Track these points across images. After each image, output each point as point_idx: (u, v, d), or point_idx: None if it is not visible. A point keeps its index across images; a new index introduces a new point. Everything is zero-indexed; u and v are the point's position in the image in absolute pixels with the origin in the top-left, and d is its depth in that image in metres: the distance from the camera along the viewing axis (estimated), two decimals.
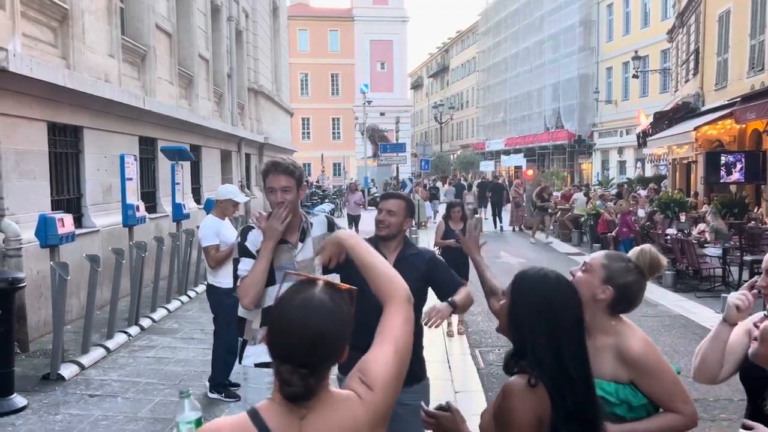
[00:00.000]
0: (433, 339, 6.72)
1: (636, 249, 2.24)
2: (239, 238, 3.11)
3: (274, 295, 2.38)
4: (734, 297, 2.25)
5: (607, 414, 2.10)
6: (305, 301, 1.37)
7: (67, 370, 5.95)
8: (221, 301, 5.31)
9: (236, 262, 3.09)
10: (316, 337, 1.34)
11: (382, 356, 1.51)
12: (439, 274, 3.20)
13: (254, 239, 3.05)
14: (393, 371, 1.50)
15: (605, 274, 2.14)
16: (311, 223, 3.16)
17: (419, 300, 3.16)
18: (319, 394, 1.40)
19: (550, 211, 18.73)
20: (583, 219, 16.79)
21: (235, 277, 3.07)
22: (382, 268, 1.72)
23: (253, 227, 3.08)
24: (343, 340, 1.41)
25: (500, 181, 28.77)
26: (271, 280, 2.98)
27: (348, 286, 1.48)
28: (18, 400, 5.20)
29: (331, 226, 3.22)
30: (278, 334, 1.38)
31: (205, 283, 5.81)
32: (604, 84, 35.25)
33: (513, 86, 45.43)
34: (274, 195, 2.98)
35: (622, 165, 33.99)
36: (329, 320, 1.36)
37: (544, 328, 1.81)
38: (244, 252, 3.05)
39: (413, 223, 3.57)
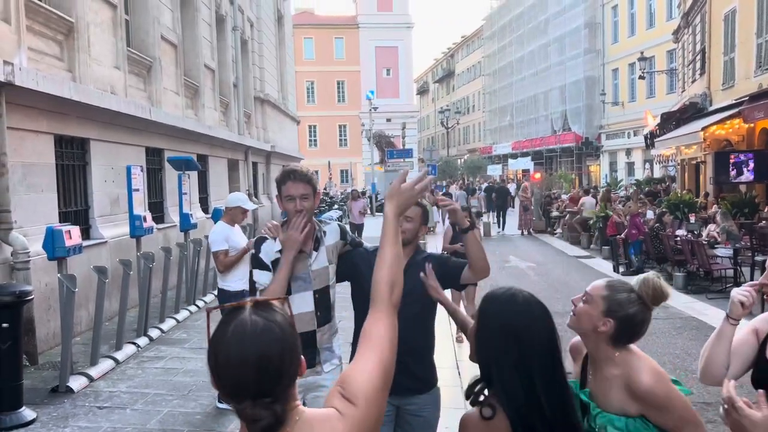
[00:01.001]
0: (442, 345, 6.67)
1: (640, 277, 2.13)
2: (253, 249, 3.11)
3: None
4: (738, 293, 2.20)
5: None
6: (238, 330, 1.26)
7: (76, 383, 5.95)
8: None
9: (251, 273, 3.10)
10: (260, 362, 1.24)
11: (365, 367, 1.44)
12: (448, 261, 3.21)
13: (268, 249, 3.05)
14: (377, 383, 1.42)
15: (605, 306, 2.06)
16: (325, 232, 3.16)
17: (430, 303, 3.13)
18: (290, 415, 1.30)
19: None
20: (592, 221, 16.71)
21: (251, 288, 3.08)
22: (388, 267, 1.63)
23: (266, 238, 3.08)
24: (291, 353, 1.29)
25: (506, 184, 28.71)
26: (287, 291, 3.00)
27: (273, 297, 1.38)
28: (27, 413, 5.19)
29: (344, 234, 3.23)
30: (223, 372, 1.26)
31: (215, 291, 5.82)
32: (610, 86, 35.13)
33: (519, 90, 45.39)
34: (292, 203, 2.96)
35: (630, 166, 33.84)
36: (267, 341, 1.26)
37: (511, 355, 1.70)
38: (258, 263, 3.05)
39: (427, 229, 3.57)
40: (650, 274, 2.14)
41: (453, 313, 2.78)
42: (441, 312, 3.02)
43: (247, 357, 1.24)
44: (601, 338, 2.07)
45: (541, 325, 1.76)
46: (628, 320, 2.05)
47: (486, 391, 1.79)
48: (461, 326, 2.66)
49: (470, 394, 1.80)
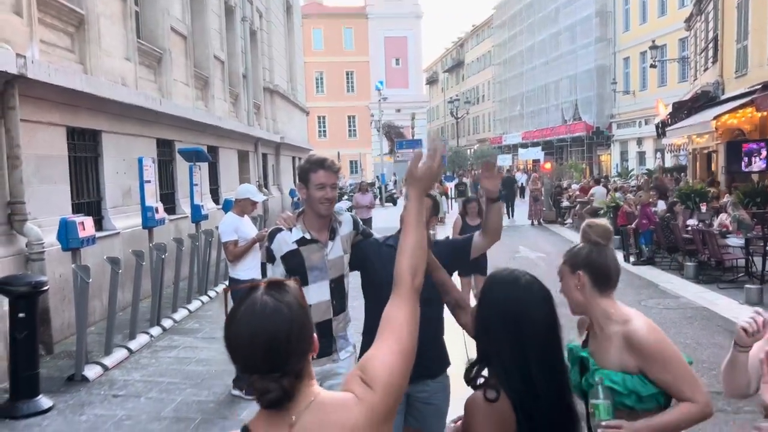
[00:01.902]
0: (452, 335, 6.69)
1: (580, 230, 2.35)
2: (266, 242, 3.15)
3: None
4: (742, 321, 2.12)
5: (615, 404, 2.07)
6: (249, 309, 1.33)
7: (91, 371, 6.04)
8: None
9: (263, 266, 3.14)
10: (269, 341, 1.30)
11: (385, 354, 1.46)
12: (455, 241, 3.28)
13: (281, 241, 3.09)
14: (396, 370, 1.44)
15: (569, 266, 2.26)
16: (340, 222, 3.22)
17: (438, 292, 3.15)
18: (305, 394, 1.35)
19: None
20: (602, 212, 16.63)
21: (263, 277, 3.10)
22: (411, 252, 1.62)
23: (281, 229, 3.12)
24: (302, 332, 1.34)
25: (512, 174, 28.65)
26: (303, 281, 3.04)
27: (285, 279, 1.43)
28: (44, 401, 5.29)
29: (356, 225, 3.28)
30: (235, 348, 1.34)
31: (226, 281, 5.88)
32: (621, 74, 34.87)
33: (529, 79, 45.14)
34: (323, 191, 3.04)
35: (641, 156, 33.64)
36: (277, 320, 1.31)
37: (510, 337, 1.72)
38: (268, 255, 3.11)
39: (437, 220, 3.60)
40: (584, 223, 2.36)
41: (444, 286, 2.71)
42: None
43: (255, 336, 1.30)
44: (587, 296, 2.20)
45: (542, 309, 1.77)
46: (591, 262, 2.21)
47: (486, 372, 1.80)
48: (454, 305, 2.64)
49: (469, 377, 1.82)
